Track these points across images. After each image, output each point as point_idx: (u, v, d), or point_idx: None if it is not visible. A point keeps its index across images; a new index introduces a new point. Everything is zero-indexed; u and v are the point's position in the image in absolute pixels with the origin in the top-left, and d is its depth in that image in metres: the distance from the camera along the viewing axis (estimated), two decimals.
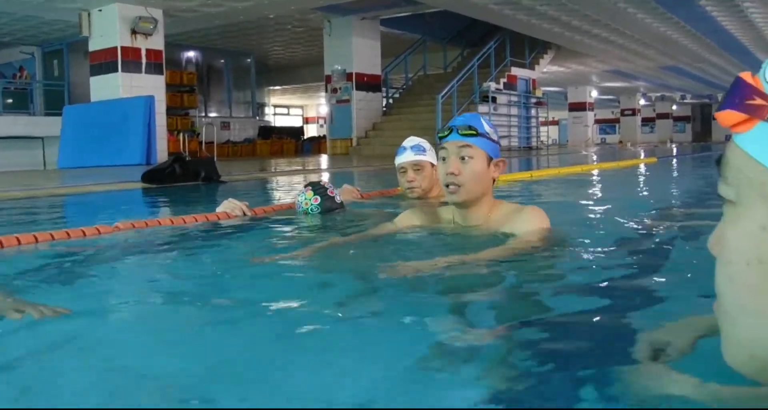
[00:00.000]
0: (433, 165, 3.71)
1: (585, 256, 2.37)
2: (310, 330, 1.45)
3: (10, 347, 1.41)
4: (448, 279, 1.94)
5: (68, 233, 2.64)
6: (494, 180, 2.51)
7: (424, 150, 3.70)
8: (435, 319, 1.53)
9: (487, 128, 2.46)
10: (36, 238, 2.55)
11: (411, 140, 3.76)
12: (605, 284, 1.91)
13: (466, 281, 1.96)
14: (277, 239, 2.85)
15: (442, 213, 2.67)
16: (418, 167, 3.67)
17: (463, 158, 2.40)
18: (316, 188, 3.31)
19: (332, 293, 1.85)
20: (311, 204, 3.25)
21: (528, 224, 2.40)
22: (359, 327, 1.51)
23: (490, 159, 2.45)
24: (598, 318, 1.56)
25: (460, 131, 2.41)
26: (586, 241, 2.62)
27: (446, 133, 2.45)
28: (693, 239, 2.66)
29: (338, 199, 3.32)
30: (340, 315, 1.61)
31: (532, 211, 2.46)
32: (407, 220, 2.67)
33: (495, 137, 2.49)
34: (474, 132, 2.41)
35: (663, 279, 1.97)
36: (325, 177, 2.94)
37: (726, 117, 0.78)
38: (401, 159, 3.71)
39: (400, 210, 2.96)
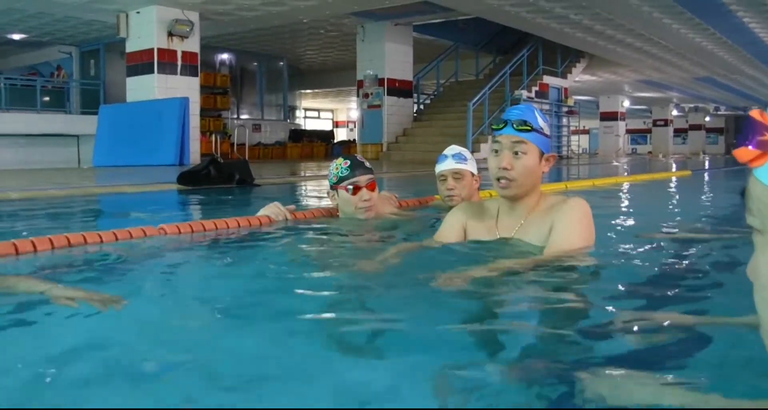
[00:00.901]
0: (473, 174, 3.73)
1: (614, 272, 2.37)
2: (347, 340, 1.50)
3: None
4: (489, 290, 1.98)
5: (115, 235, 2.72)
6: (543, 173, 2.53)
7: (465, 159, 3.71)
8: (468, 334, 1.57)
9: (541, 122, 2.47)
10: (85, 238, 2.62)
11: (452, 149, 3.76)
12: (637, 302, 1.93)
13: (500, 292, 2.00)
14: (325, 247, 2.88)
15: (488, 206, 2.68)
16: (458, 175, 3.67)
17: (516, 153, 2.41)
18: (348, 155, 3.42)
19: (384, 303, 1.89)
20: (341, 167, 3.31)
21: (570, 217, 2.39)
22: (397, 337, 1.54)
23: (542, 154, 2.46)
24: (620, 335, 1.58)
25: (515, 126, 2.41)
26: (619, 257, 2.63)
27: (501, 126, 2.45)
28: (726, 260, 2.67)
29: (368, 164, 3.36)
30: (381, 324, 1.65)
31: (576, 203, 2.45)
32: (453, 220, 2.68)
33: (547, 132, 2.50)
34: (529, 128, 2.41)
35: (693, 297, 1.98)
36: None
37: (741, 154, 0.84)
38: (442, 167, 3.72)
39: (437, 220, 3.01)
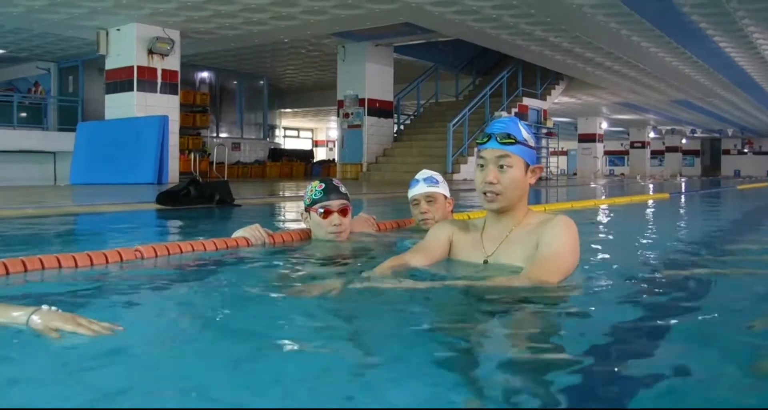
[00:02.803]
0: (446, 197, 3.75)
1: (593, 297, 2.34)
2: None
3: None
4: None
5: (90, 257, 2.65)
6: (530, 185, 2.53)
7: (437, 182, 3.73)
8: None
9: (525, 134, 2.46)
10: (59, 261, 2.55)
11: (423, 173, 3.79)
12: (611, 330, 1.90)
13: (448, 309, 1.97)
14: (298, 271, 2.83)
15: (474, 222, 2.68)
16: (431, 198, 3.69)
17: (501, 167, 2.40)
18: (325, 179, 3.41)
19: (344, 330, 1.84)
20: (315, 190, 3.30)
21: (555, 235, 2.37)
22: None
23: (527, 166, 2.45)
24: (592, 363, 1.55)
25: (499, 140, 2.40)
26: (601, 281, 2.60)
27: (485, 140, 2.44)
28: (706, 285, 2.65)
29: (343, 189, 3.34)
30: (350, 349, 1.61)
31: (562, 222, 2.43)
32: (437, 234, 2.66)
33: (532, 143, 2.49)
34: (513, 140, 2.40)
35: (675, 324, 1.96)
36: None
37: None
38: (414, 191, 3.74)
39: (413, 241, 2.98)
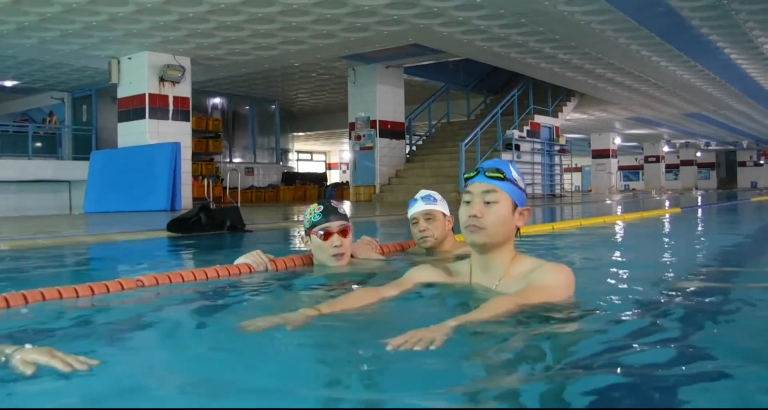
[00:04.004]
0: (444, 215, 3.75)
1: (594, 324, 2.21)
2: None
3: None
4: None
5: (92, 288, 2.62)
6: (518, 230, 2.43)
7: (435, 200, 3.75)
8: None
9: (515, 174, 2.40)
10: (60, 293, 2.52)
11: (421, 193, 3.81)
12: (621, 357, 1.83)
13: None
14: (297, 298, 2.79)
15: (458, 267, 2.57)
16: (429, 216, 3.71)
17: (487, 202, 2.34)
18: (322, 201, 3.38)
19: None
20: (314, 213, 3.27)
21: (546, 272, 2.29)
22: None
23: (515, 206, 2.38)
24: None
25: (487, 173, 2.36)
26: (602, 307, 2.49)
27: (473, 174, 2.40)
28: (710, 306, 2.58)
29: (342, 210, 3.31)
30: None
31: (556, 269, 2.35)
32: (417, 276, 2.55)
33: (522, 185, 2.43)
34: (501, 176, 2.35)
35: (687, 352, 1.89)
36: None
37: None
38: (413, 210, 3.76)
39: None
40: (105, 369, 1.62)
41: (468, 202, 2.38)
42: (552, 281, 2.28)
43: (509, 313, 2.08)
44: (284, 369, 1.68)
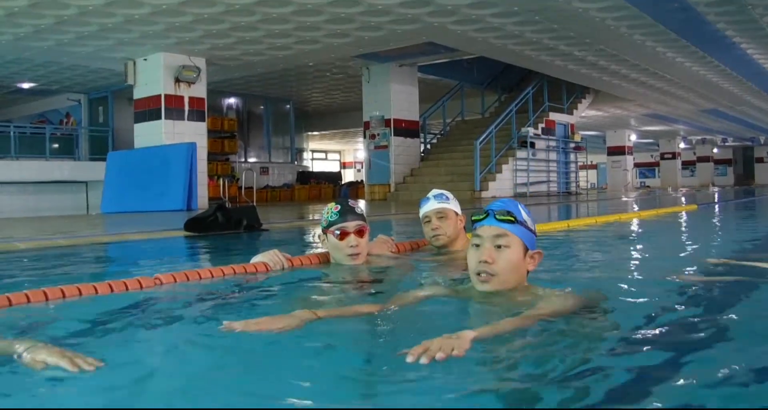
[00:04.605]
0: (457, 214, 3.74)
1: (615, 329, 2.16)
2: None
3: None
4: None
5: (111, 286, 2.65)
6: (528, 273, 2.37)
7: (447, 199, 3.75)
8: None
9: (525, 215, 2.33)
10: (80, 290, 2.56)
11: (433, 191, 3.82)
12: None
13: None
14: (314, 296, 2.80)
15: (463, 289, 2.46)
16: (441, 214, 3.70)
17: (498, 247, 2.26)
18: (340, 200, 3.40)
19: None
20: (331, 212, 3.28)
21: (551, 294, 2.23)
22: None
23: (526, 250, 2.31)
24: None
25: (497, 217, 2.27)
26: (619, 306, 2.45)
27: (482, 216, 2.32)
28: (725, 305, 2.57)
29: (359, 210, 3.32)
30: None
31: (560, 292, 2.30)
32: (421, 292, 2.47)
33: (532, 227, 2.36)
34: (512, 219, 2.27)
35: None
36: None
37: None
38: (425, 209, 3.75)
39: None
40: (113, 368, 1.66)
41: (477, 245, 2.30)
42: (561, 306, 2.18)
43: (529, 327, 2.02)
44: (284, 369, 1.70)
